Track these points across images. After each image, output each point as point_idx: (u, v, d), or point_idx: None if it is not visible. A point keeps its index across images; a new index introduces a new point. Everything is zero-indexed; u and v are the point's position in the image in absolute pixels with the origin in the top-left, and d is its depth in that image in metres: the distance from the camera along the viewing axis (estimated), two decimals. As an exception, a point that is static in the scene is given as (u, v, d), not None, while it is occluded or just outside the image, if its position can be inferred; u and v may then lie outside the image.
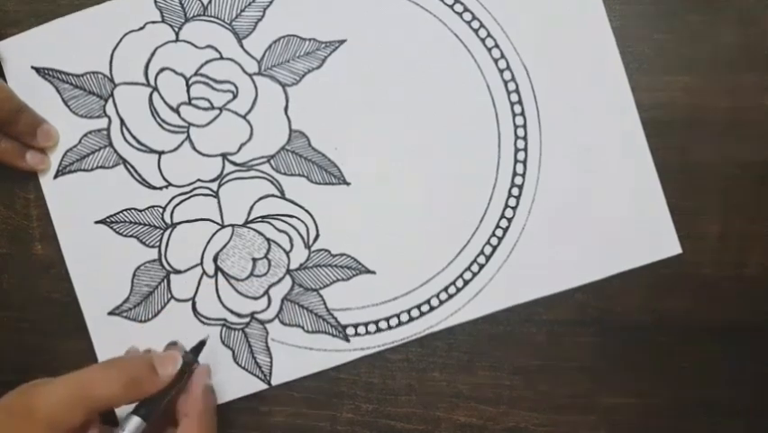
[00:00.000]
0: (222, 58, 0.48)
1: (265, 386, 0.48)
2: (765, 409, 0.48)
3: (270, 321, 0.49)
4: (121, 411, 0.47)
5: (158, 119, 0.48)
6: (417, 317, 0.48)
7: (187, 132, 0.48)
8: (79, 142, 0.48)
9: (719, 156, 0.48)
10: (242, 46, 0.48)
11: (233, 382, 0.48)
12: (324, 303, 0.49)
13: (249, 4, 0.48)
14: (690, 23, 0.47)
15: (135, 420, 0.41)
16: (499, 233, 0.48)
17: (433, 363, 0.49)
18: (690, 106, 0.48)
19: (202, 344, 0.46)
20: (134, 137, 0.48)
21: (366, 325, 0.49)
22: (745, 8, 0.47)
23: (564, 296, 0.48)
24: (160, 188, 0.48)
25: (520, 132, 0.48)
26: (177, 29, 0.48)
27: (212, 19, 0.48)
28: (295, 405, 0.49)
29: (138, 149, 0.48)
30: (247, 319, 0.49)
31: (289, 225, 0.49)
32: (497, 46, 0.48)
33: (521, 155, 0.48)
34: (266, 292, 0.49)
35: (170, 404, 0.43)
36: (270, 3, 0.48)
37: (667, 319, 0.48)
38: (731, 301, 0.48)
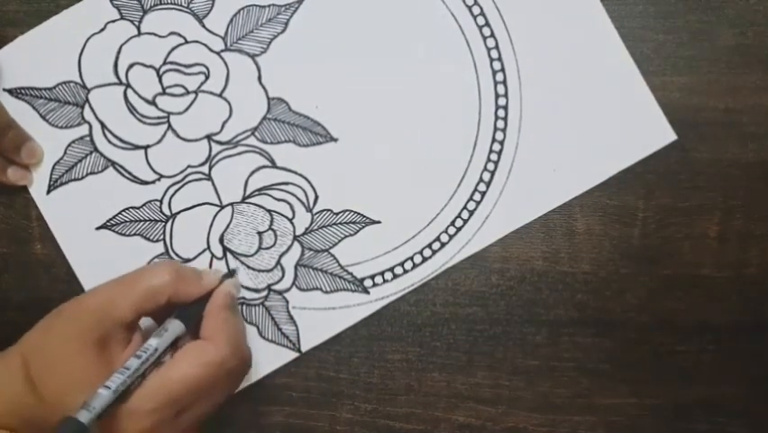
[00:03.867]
0: (187, 42, 0.48)
1: (296, 354, 0.48)
2: (765, 409, 0.48)
3: (288, 290, 0.49)
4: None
5: (137, 115, 0.48)
6: (431, 256, 0.48)
7: (168, 121, 0.48)
8: (65, 153, 0.48)
9: (719, 156, 0.48)
10: (204, 26, 0.48)
11: (263, 357, 0.48)
12: (337, 261, 0.49)
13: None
14: (690, 22, 0.47)
15: (176, 322, 0.42)
16: (494, 157, 0.48)
17: (432, 364, 0.49)
18: (690, 106, 0.48)
19: (234, 271, 0.48)
20: (117, 137, 0.48)
21: (382, 274, 0.49)
22: (745, 8, 0.47)
23: (564, 296, 0.48)
24: (153, 182, 0.49)
25: (494, 53, 0.48)
26: (137, 23, 0.48)
27: (169, 6, 0.48)
28: (294, 405, 0.49)
29: (123, 148, 0.48)
30: (264, 293, 0.49)
31: (287, 192, 0.49)
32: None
33: (500, 76, 0.48)
34: (278, 263, 0.49)
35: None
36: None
37: (667, 319, 0.48)
38: (731, 301, 0.48)
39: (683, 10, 0.48)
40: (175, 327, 0.42)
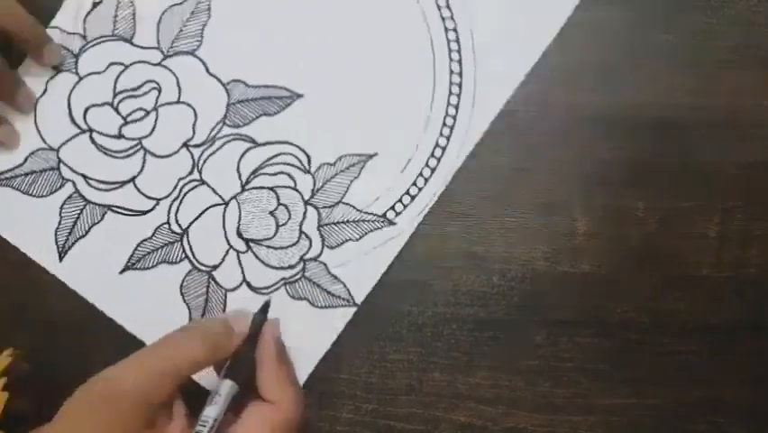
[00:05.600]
0: (127, 66, 0.48)
1: (354, 308, 0.48)
2: (765, 409, 0.48)
3: (321, 254, 0.48)
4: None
5: (110, 153, 0.48)
6: (436, 167, 0.48)
7: (141, 146, 0.48)
8: (60, 217, 0.48)
9: (719, 156, 0.48)
10: (135, 45, 0.48)
11: (323, 325, 0.48)
12: (354, 207, 0.48)
13: (115, 16, 0.48)
14: (690, 23, 0.47)
15: (228, 383, 0.41)
16: (455, 56, 0.48)
17: (432, 364, 0.49)
18: (691, 106, 0.48)
19: (267, 304, 0.46)
20: (102, 182, 0.48)
21: (400, 200, 0.48)
22: (745, 8, 0.47)
23: (564, 296, 0.48)
24: (153, 208, 0.48)
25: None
26: (74, 70, 0.48)
27: (97, 41, 0.48)
28: None
29: (112, 189, 0.48)
30: (300, 266, 0.48)
31: (280, 163, 0.48)
32: None
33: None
34: (301, 233, 0.48)
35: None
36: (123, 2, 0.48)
37: (667, 319, 0.48)
38: (731, 301, 0.48)
39: (683, 10, 0.48)
40: (227, 388, 0.41)
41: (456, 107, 0.48)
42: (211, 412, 0.40)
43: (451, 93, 0.48)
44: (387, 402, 0.49)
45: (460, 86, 0.48)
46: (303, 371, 0.48)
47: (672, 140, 0.48)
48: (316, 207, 0.49)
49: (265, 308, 0.46)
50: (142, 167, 0.48)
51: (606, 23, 0.48)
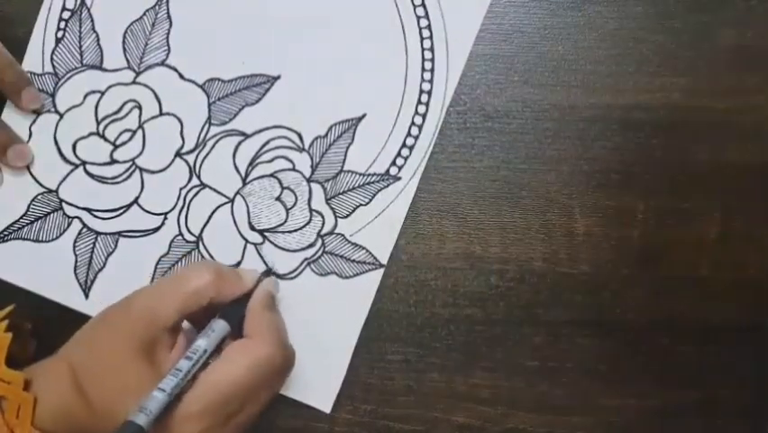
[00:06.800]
0: (103, 92, 0.49)
1: (382, 269, 0.48)
2: (765, 409, 0.48)
3: (336, 226, 0.48)
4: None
5: (107, 181, 0.48)
6: (425, 113, 0.48)
7: (136, 166, 0.48)
8: (76, 256, 0.48)
9: (719, 156, 0.48)
10: (106, 70, 0.49)
11: (356, 293, 0.48)
12: (356, 172, 0.48)
13: (80, 46, 0.49)
14: (690, 23, 0.48)
15: (221, 322, 0.42)
16: (420, 11, 0.48)
17: (431, 364, 0.49)
18: (690, 107, 0.48)
19: (269, 269, 0.48)
20: (107, 211, 0.48)
21: (399, 154, 0.48)
22: (745, 8, 0.48)
23: (563, 297, 0.48)
24: (163, 223, 0.48)
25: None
26: (53, 109, 0.49)
27: (68, 75, 0.48)
28: (293, 406, 0.48)
29: (118, 215, 0.48)
30: (319, 243, 0.48)
31: (273, 149, 0.49)
32: None
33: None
34: (311, 211, 0.48)
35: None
36: (84, 32, 0.49)
37: (667, 320, 0.48)
38: (731, 302, 0.48)
39: (683, 10, 0.48)
40: (221, 327, 0.42)
41: (432, 50, 0.48)
42: (201, 343, 0.41)
43: (422, 37, 0.48)
44: (385, 403, 0.49)
45: (429, 28, 0.48)
46: (348, 341, 0.48)
47: (671, 140, 0.48)
48: (320, 182, 0.48)
49: (268, 271, 0.47)
50: (142, 186, 0.48)
51: (604, 22, 0.48)
